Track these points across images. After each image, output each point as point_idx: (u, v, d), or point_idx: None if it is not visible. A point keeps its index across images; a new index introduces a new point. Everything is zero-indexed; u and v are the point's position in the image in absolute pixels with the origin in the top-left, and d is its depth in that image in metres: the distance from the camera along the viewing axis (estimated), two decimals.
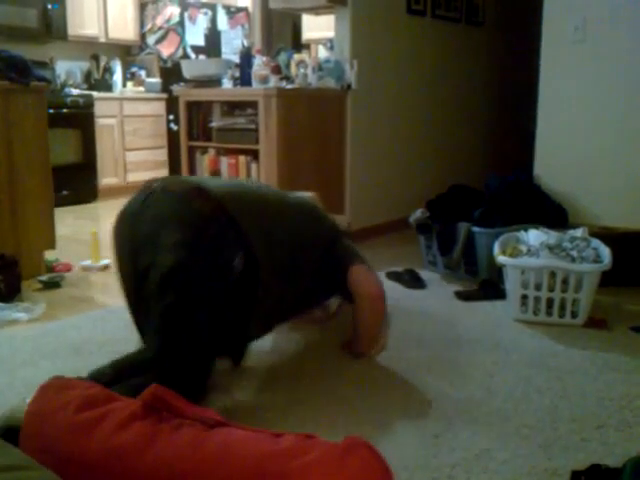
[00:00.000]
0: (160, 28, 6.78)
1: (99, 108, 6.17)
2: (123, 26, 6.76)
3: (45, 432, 1.35)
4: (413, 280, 3.36)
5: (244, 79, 4.14)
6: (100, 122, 6.19)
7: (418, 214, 3.67)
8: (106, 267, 3.72)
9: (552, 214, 3.54)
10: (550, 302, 2.74)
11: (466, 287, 3.29)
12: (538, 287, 2.72)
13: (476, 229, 3.34)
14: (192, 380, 1.84)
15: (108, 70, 6.69)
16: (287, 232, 2.12)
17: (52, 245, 3.60)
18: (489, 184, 3.72)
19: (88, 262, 3.72)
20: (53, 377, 1.55)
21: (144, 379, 1.66)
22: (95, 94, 6.20)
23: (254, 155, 3.89)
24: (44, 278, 3.36)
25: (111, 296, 3.23)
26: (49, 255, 3.64)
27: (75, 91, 6.17)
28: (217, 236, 1.89)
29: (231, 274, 1.88)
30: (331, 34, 4.81)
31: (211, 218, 1.90)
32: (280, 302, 2.11)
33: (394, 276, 3.45)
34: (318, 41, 6.46)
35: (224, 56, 6.88)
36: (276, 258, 2.02)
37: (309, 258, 2.19)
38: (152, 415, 1.35)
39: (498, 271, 3.10)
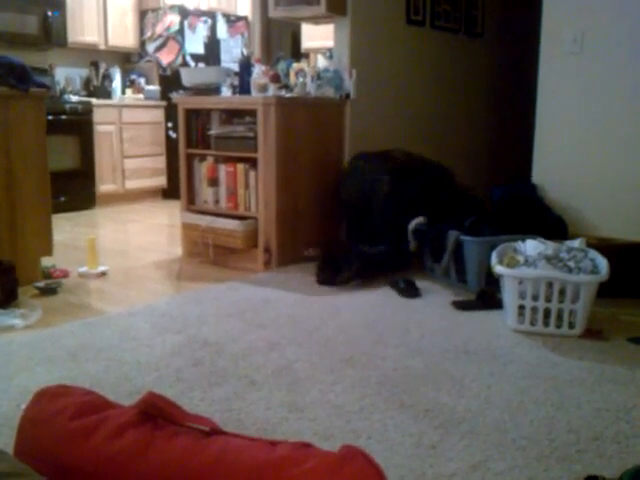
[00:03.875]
0: (160, 36, 6.80)
1: (98, 115, 6.17)
2: (123, 33, 6.78)
3: (40, 439, 1.35)
4: (408, 288, 3.36)
5: (243, 87, 4.15)
6: (99, 129, 6.19)
7: (417, 221, 3.69)
8: (103, 274, 3.71)
9: (551, 226, 3.55)
10: (547, 312, 2.74)
11: (462, 296, 3.29)
12: (535, 297, 2.72)
13: (464, 237, 3.37)
14: (404, 253, 3.75)
15: (107, 77, 6.70)
16: (430, 176, 3.93)
17: (49, 251, 3.59)
18: (493, 195, 3.76)
19: (85, 268, 3.71)
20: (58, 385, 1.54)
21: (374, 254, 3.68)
22: (94, 101, 6.21)
23: (252, 163, 3.90)
24: (41, 284, 3.36)
25: (108, 303, 3.23)
26: (46, 261, 3.63)
27: (74, 98, 6.18)
28: (405, 177, 3.82)
29: (409, 198, 3.76)
30: (330, 43, 4.83)
31: (401, 169, 3.87)
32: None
33: (392, 284, 3.45)
34: (317, 50, 6.48)
35: (223, 64, 6.90)
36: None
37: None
38: (148, 422, 1.34)
39: (486, 279, 3.14)
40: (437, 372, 2.36)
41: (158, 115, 6.77)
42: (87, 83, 6.71)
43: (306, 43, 6.66)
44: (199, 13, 6.88)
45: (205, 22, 6.89)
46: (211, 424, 1.37)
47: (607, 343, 2.68)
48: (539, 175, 3.87)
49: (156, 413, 1.36)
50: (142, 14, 6.91)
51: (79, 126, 6.01)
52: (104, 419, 1.35)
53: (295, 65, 4.35)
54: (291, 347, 2.60)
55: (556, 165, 3.81)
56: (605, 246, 3.15)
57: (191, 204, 4.25)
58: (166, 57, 6.80)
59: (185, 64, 6.67)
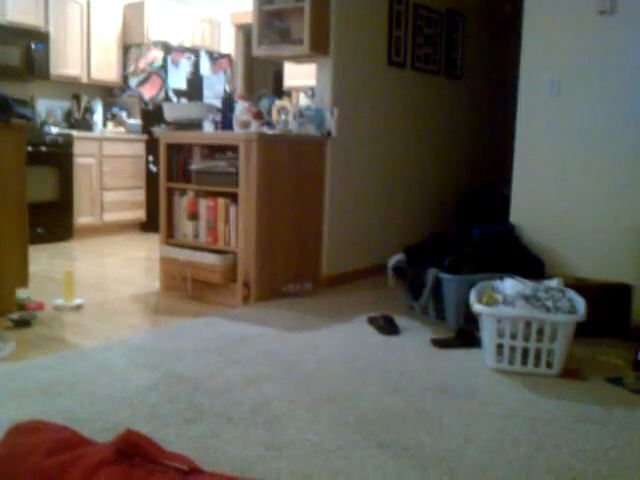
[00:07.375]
0: (143, 71, 6.84)
1: (78, 147, 6.16)
2: (106, 67, 6.82)
3: (13, 477, 1.31)
4: (388, 325, 3.35)
5: (225, 123, 4.18)
6: (79, 161, 6.17)
7: (397, 258, 3.72)
8: (79, 307, 3.66)
9: (529, 265, 3.59)
10: (525, 352, 2.75)
11: (441, 334, 3.30)
12: (514, 336, 2.73)
13: (443, 275, 3.40)
14: None
15: (89, 110, 6.70)
16: None
17: (24, 283, 3.54)
18: (472, 234, 3.80)
19: (61, 301, 3.66)
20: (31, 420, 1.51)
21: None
22: (75, 133, 6.20)
23: (233, 198, 3.90)
24: (15, 316, 3.30)
25: (83, 336, 3.18)
26: (21, 293, 3.58)
27: (55, 129, 6.16)
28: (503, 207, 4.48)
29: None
30: (312, 82, 4.89)
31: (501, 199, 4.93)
32: None
33: (371, 321, 3.45)
34: (299, 89, 6.56)
35: (206, 100, 6.94)
36: None
37: None
38: (124, 461, 1.32)
39: (465, 317, 3.17)
40: (416, 411, 2.35)
41: (139, 149, 6.77)
42: (68, 115, 6.71)
43: (288, 81, 6.74)
44: (182, 49, 6.94)
45: (188, 58, 6.95)
46: (189, 463, 1.35)
47: (585, 383, 2.69)
48: (517, 215, 3.92)
49: (133, 451, 1.34)
50: (126, 49, 6.96)
51: (59, 158, 5.98)
52: (79, 457, 1.32)
53: (277, 103, 4.40)
54: (269, 384, 2.57)
55: (534, 205, 3.86)
56: (583, 286, 3.18)
57: (170, 237, 4.23)
58: (148, 91, 6.83)
59: (167, 99, 6.70)
